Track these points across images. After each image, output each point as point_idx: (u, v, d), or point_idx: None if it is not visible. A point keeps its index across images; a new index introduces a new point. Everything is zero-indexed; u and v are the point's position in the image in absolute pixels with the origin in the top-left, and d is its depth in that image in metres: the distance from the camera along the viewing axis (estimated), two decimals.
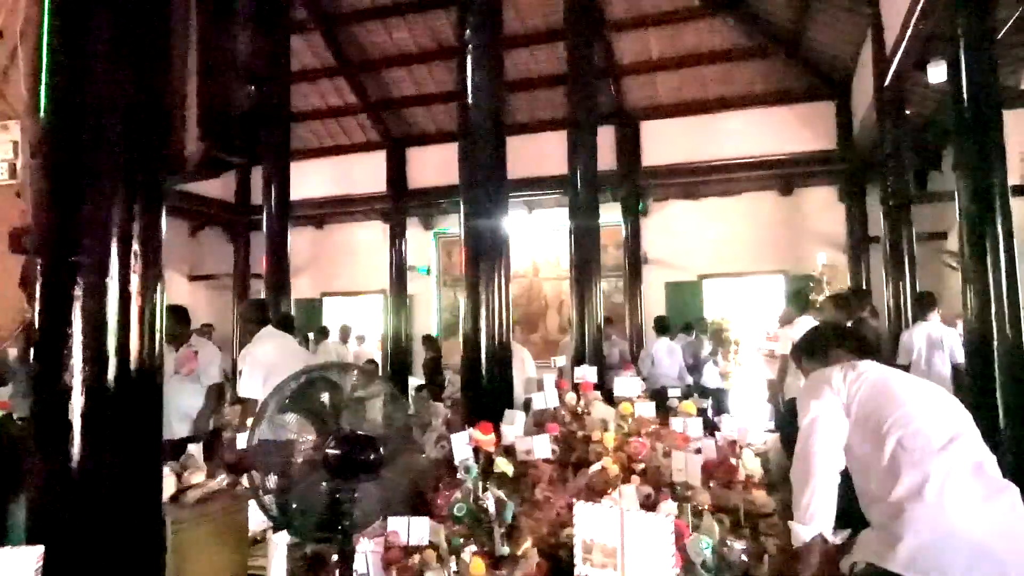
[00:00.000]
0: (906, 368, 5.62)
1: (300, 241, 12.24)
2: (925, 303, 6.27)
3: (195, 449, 2.92)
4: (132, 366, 1.71)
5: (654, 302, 11.35)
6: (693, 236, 11.65)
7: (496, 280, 4.83)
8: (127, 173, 1.60)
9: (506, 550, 2.78)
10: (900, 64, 6.20)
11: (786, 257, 11.04)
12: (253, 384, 4.48)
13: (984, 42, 4.25)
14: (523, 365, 5.82)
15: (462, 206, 4.99)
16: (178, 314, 4.88)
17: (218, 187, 12.62)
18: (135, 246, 1.63)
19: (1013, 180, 4.86)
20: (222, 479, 2.62)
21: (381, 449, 2.09)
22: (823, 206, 11.08)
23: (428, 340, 11.11)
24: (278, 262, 8.49)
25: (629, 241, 11.25)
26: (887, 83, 6.87)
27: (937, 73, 5.68)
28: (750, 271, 11.45)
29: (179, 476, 2.54)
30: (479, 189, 4.91)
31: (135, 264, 1.66)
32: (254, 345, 4.71)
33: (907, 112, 7.38)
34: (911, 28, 5.36)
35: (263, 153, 8.83)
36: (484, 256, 4.81)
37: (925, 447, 2.15)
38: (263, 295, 8.40)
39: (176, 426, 4.64)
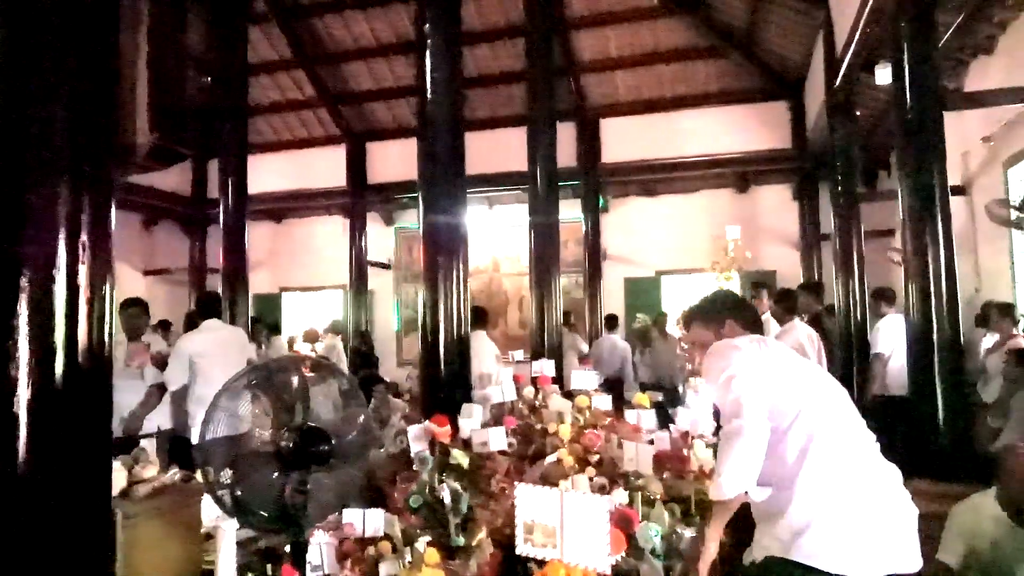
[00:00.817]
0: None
1: (259, 236, 12.10)
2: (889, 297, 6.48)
3: (148, 443, 2.90)
4: (80, 359, 1.69)
5: (614, 298, 11.48)
6: (652, 233, 11.81)
7: (454, 275, 4.85)
8: (74, 163, 1.59)
9: (461, 541, 2.81)
10: (849, 66, 6.37)
11: (742, 254, 11.25)
12: (173, 374, 4.63)
13: (927, 46, 4.40)
14: (483, 358, 5.86)
15: (420, 201, 5.00)
16: (141, 306, 4.87)
17: (174, 180, 12.40)
18: (83, 237, 1.61)
19: (953, 180, 5.06)
20: (174, 473, 2.60)
21: (332, 441, 2.10)
22: (778, 204, 11.33)
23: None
24: (235, 257, 8.37)
25: (589, 237, 11.35)
26: (837, 84, 7.06)
27: (884, 75, 5.85)
28: (707, 268, 11.63)
29: (130, 470, 2.51)
30: (438, 184, 4.91)
31: (83, 255, 1.64)
32: (185, 336, 4.81)
33: (857, 113, 7.59)
34: (859, 31, 5.52)
35: (220, 146, 8.70)
36: (442, 251, 4.82)
37: (826, 436, 2.10)
38: (220, 290, 8.28)
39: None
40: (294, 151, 12.51)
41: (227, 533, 1.21)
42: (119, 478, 2.41)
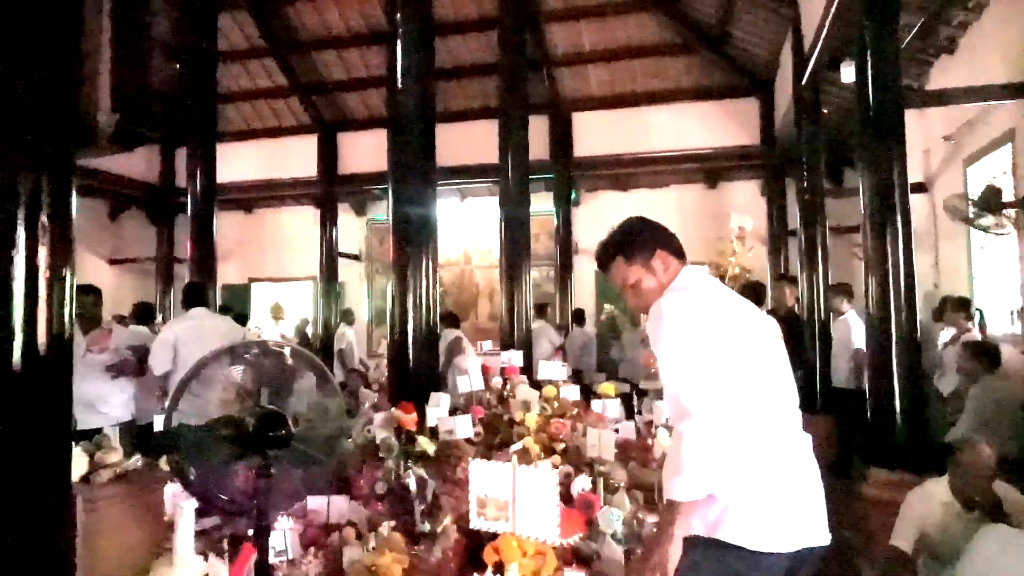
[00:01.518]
0: None
1: (228, 225, 11.97)
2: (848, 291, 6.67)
3: (110, 431, 2.87)
4: (40, 341, 1.69)
5: (585, 291, 11.56)
6: None
7: (423, 266, 4.86)
8: (35, 144, 1.58)
9: (426, 527, 2.84)
10: (816, 64, 6.48)
11: (711, 249, 11.37)
12: (157, 361, 4.61)
13: (890, 45, 4.49)
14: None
15: (390, 192, 5.00)
16: (96, 294, 4.79)
17: (141, 168, 12.21)
18: (43, 218, 1.61)
19: (915, 178, 5.17)
20: (137, 459, 2.59)
21: (292, 425, 2.11)
22: (747, 200, 11.46)
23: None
24: (204, 246, 8.27)
25: (561, 230, 11.40)
26: (804, 82, 7.16)
27: (849, 73, 5.95)
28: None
29: (92, 456, 2.50)
30: (408, 175, 4.92)
31: (43, 237, 1.64)
32: (170, 323, 4.78)
33: (824, 111, 7.71)
34: (826, 29, 5.61)
35: (188, 134, 8.59)
36: (412, 242, 4.83)
37: (755, 409, 1.92)
38: (187, 280, 8.19)
39: (80, 415, 4.45)
40: (265, 140, 12.38)
41: (186, 511, 1.22)
42: (81, 464, 2.40)
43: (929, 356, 5.53)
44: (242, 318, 10.89)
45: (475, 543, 2.79)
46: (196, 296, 5.10)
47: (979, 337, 5.28)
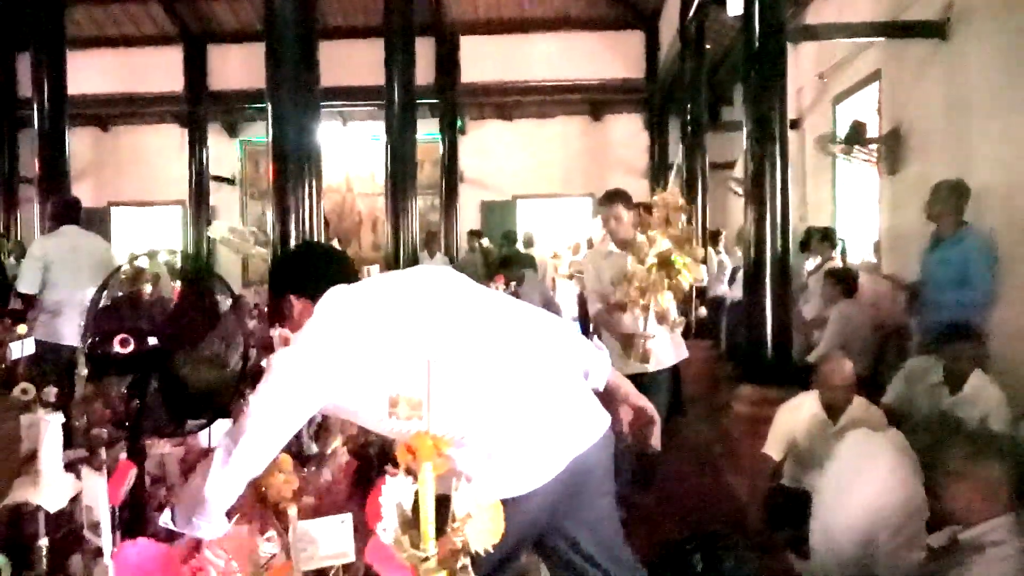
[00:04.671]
0: None
1: (80, 143, 10.90)
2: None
3: None
4: None
5: (469, 221, 11.48)
6: (508, 157, 11.85)
7: (305, 190, 4.63)
8: None
9: (314, 449, 2.76)
10: None
11: (594, 181, 11.55)
12: (27, 280, 4.40)
13: None
14: None
15: (270, 110, 4.68)
16: None
17: None
18: None
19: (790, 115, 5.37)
20: None
21: (154, 341, 1.97)
22: (629, 133, 11.67)
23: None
24: (53, 165, 7.48)
25: (446, 159, 11.19)
26: (690, 16, 7.26)
27: (735, 6, 6.05)
28: (561, 193, 11.90)
29: None
30: (287, 93, 4.61)
31: None
32: (39, 239, 4.64)
33: (707, 46, 7.86)
34: None
35: (30, 37, 7.66)
36: (292, 165, 4.57)
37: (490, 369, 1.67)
38: (36, 202, 7.46)
39: None
40: (121, 50, 11.25)
41: (51, 424, 1.09)
42: None
43: (794, 284, 5.90)
44: None
45: (365, 464, 2.76)
46: (68, 212, 4.77)
47: (840, 266, 5.67)
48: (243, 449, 1.58)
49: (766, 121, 4.47)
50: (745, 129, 4.58)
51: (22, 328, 3.32)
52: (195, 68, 11.14)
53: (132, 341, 2.19)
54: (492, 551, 1.04)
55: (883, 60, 5.75)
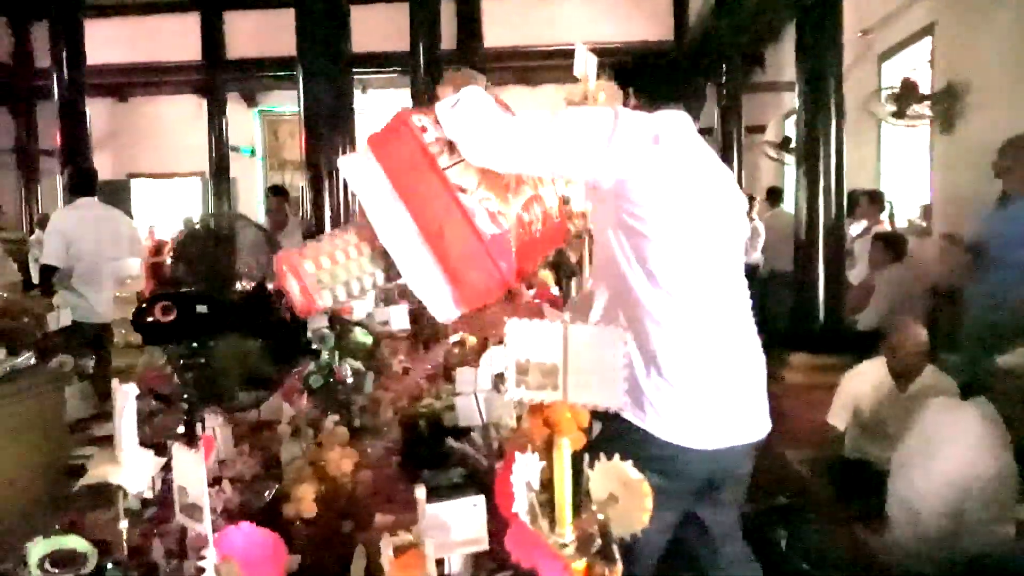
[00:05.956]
0: None
1: (97, 114, 10.75)
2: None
3: None
4: None
5: None
6: None
7: (339, 156, 4.47)
8: None
9: (365, 421, 2.66)
10: None
11: None
12: (50, 252, 4.28)
13: None
14: None
15: (300, 76, 4.51)
16: None
17: None
18: None
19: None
20: (29, 356, 2.23)
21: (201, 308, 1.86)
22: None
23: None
24: (74, 136, 7.39)
25: None
26: None
27: None
28: None
29: None
30: (319, 58, 4.45)
31: None
32: (58, 212, 4.47)
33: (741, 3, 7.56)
34: None
35: (46, 5, 7.51)
36: (325, 130, 4.44)
37: (709, 277, 1.66)
38: (60, 174, 7.37)
39: None
40: (136, 17, 11.03)
41: (129, 396, 0.96)
42: None
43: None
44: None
45: (415, 438, 2.65)
46: (85, 184, 4.63)
47: (888, 229, 5.46)
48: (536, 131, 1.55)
49: (819, 79, 4.26)
50: (797, 87, 4.37)
51: (57, 299, 3.23)
52: (212, 36, 10.91)
53: (174, 309, 2.08)
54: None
55: (938, 12, 5.47)
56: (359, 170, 1.54)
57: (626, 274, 1.62)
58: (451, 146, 1.51)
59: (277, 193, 5.88)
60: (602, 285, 1.77)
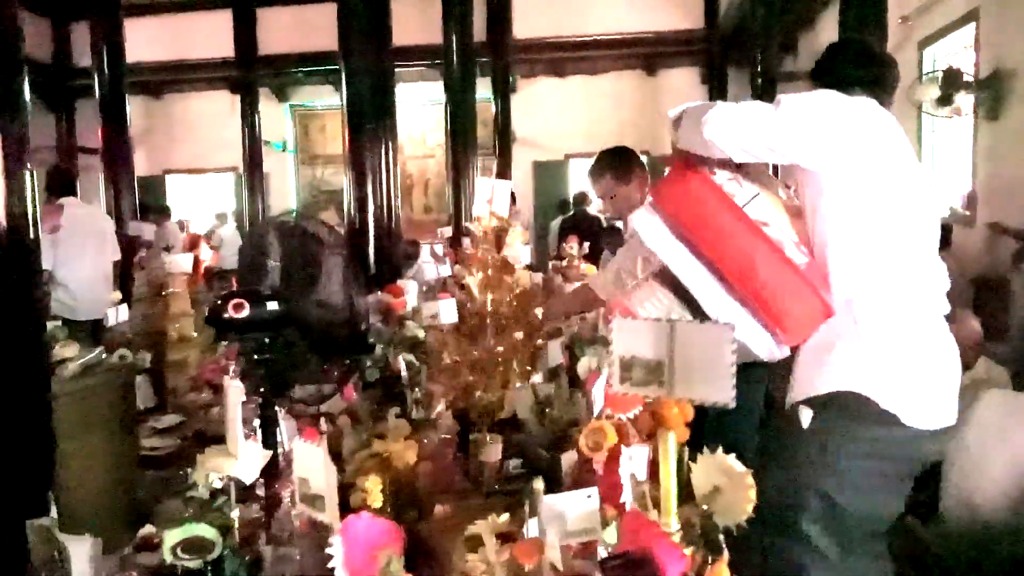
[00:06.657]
0: None
1: (134, 112, 10.89)
2: None
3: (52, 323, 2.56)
4: None
5: (521, 182, 11.30)
6: (559, 115, 11.57)
7: (382, 151, 4.50)
8: None
9: (421, 414, 2.71)
10: None
11: (647, 139, 11.25)
12: (43, 256, 4.29)
13: None
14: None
15: (343, 70, 4.53)
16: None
17: (28, 45, 10.89)
18: None
19: None
20: (100, 351, 2.30)
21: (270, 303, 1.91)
22: (686, 88, 11.28)
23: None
24: (115, 134, 7.52)
25: (499, 119, 10.97)
26: None
27: None
28: None
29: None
30: (361, 52, 4.45)
31: None
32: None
33: None
34: None
35: (85, 3, 7.64)
36: (368, 125, 4.44)
37: (914, 250, 1.80)
38: (102, 173, 7.51)
39: None
40: (171, 15, 11.21)
41: (239, 389, 1.01)
42: None
43: None
44: (163, 210, 10.16)
45: (465, 430, 2.69)
46: (65, 184, 4.73)
47: None
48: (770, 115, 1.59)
49: None
50: None
51: (116, 295, 3.30)
52: (244, 32, 11.03)
53: (246, 306, 2.13)
54: None
55: None
56: (652, 224, 1.64)
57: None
58: (740, 184, 1.60)
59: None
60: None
